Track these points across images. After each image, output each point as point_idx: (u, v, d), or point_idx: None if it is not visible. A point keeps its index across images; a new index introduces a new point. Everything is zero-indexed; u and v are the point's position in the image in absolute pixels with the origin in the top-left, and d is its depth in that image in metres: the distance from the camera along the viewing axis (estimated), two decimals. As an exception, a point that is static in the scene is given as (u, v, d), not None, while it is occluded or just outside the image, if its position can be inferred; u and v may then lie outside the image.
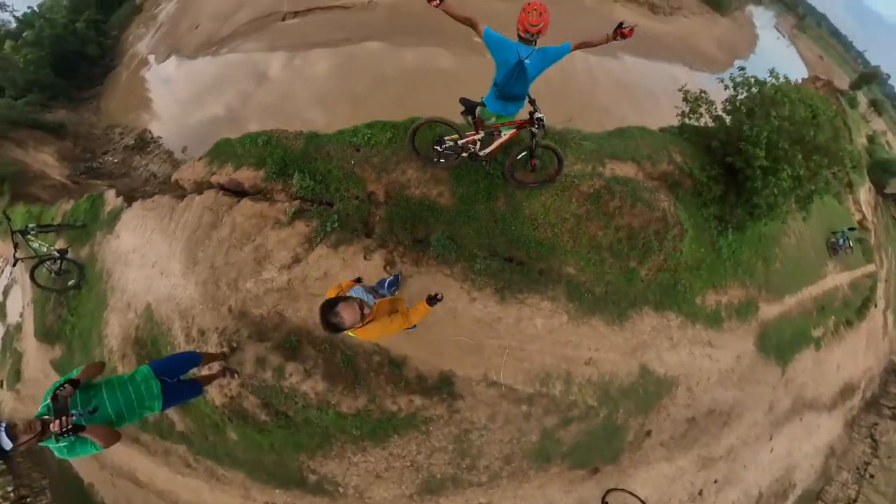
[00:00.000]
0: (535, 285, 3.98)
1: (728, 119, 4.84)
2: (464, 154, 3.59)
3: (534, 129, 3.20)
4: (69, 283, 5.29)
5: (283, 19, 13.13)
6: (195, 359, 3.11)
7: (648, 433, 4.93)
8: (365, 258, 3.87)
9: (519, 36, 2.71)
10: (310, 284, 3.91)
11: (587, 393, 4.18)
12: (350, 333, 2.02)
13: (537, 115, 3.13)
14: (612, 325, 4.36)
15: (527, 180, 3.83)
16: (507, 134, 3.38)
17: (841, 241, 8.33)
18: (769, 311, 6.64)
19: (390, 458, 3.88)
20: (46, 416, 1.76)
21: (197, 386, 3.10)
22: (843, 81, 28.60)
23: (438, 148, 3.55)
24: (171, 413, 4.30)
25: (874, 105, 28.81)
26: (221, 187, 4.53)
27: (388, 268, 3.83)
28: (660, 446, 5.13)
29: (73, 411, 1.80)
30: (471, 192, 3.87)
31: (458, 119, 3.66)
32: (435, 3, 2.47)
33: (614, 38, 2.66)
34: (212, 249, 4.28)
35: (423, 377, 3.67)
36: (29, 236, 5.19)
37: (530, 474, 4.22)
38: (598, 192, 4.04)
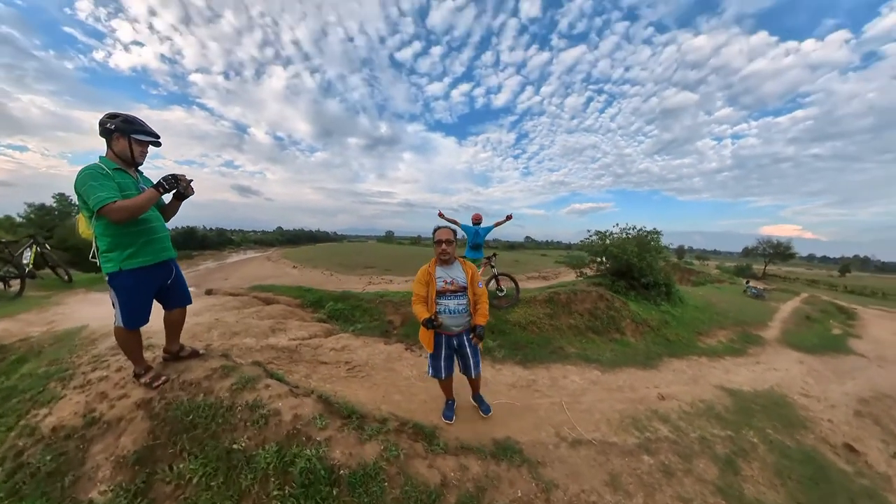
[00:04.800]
0: (551, 357, 4.51)
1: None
2: None
3: (492, 263, 5.69)
4: (10, 290, 5.49)
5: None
6: (188, 297, 2.51)
7: (851, 448, 3.69)
8: (385, 344, 4.25)
9: (473, 222, 5.53)
10: (322, 353, 3.60)
11: (700, 425, 3.72)
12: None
13: (492, 254, 5.78)
14: (647, 369, 4.70)
15: (501, 304, 5.64)
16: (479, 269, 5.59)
17: (753, 291, 10.43)
18: (769, 332, 7.22)
19: None
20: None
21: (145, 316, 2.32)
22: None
23: None
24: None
25: (698, 259, 50.87)
26: (257, 297, 5.12)
27: (406, 350, 4.10)
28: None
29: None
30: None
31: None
32: (440, 213, 5.16)
33: (505, 221, 5.64)
34: (225, 313, 4.12)
35: (469, 447, 2.41)
36: (39, 248, 6.13)
37: None
38: (549, 296, 5.88)
